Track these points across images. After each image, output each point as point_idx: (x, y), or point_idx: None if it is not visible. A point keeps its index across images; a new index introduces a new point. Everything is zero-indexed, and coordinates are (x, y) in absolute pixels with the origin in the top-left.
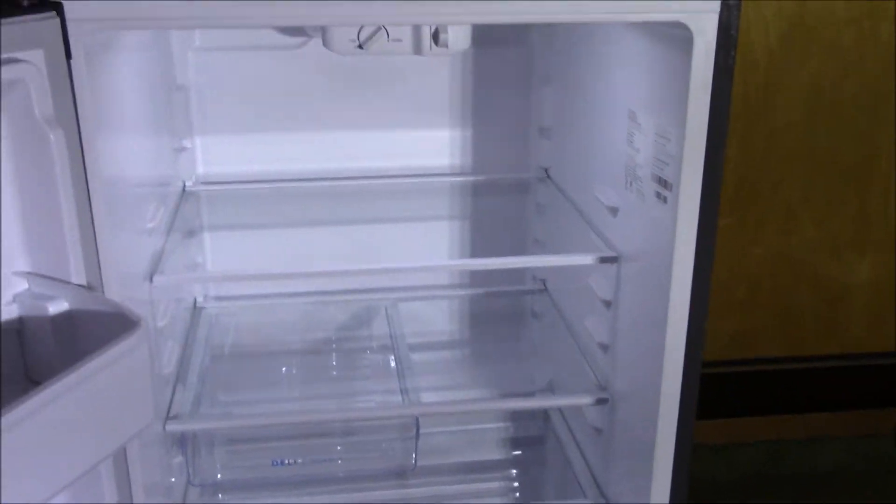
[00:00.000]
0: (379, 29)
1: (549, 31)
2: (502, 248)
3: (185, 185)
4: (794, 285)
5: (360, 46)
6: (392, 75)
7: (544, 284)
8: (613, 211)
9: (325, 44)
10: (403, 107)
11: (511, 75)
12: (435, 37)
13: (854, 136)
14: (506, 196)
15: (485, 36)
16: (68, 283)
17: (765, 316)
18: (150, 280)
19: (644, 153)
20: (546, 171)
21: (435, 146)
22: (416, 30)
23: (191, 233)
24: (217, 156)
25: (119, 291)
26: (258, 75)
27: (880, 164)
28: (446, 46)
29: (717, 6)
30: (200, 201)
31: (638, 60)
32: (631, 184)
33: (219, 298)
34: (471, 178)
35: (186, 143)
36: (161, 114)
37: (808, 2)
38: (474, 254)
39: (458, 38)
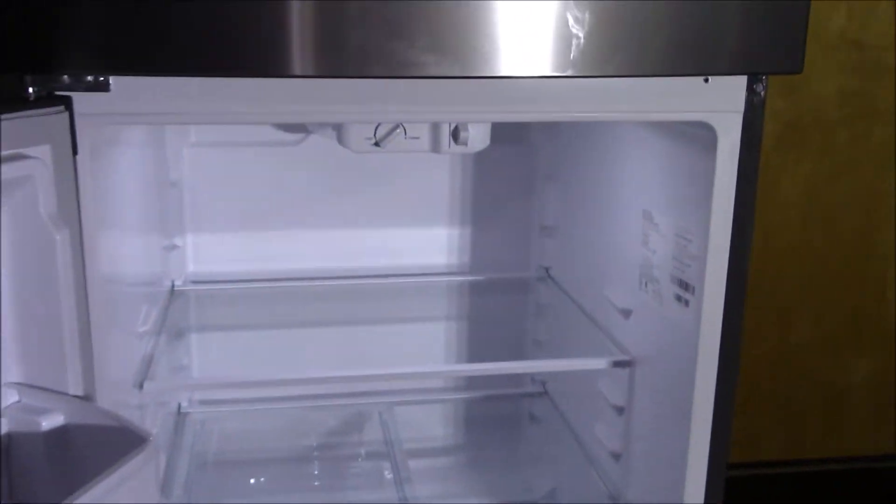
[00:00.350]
0: (397, 127)
1: (551, 127)
2: (501, 350)
3: (173, 285)
4: (794, 386)
5: (377, 144)
6: (390, 172)
7: (544, 387)
8: (626, 313)
9: (340, 141)
10: (401, 204)
11: (513, 173)
12: (455, 134)
13: (849, 235)
14: (505, 296)
15: None
16: (65, 394)
17: (765, 417)
18: (141, 387)
19: (661, 254)
20: (547, 270)
21: (433, 245)
22: (435, 127)
23: (178, 334)
24: (208, 254)
25: (111, 400)
26: (253, 172)
27: (875, 263)
28: (465, 145)
29: (741, 105)
30: (189, 301)
31: (654, 159)
32: (646, 285)
33: (204, 403)
34: (469, 278)
35: (178, 242)
36: (153, 211)
37: (801, 103)
38: (472, 355)
39: (478, 136)
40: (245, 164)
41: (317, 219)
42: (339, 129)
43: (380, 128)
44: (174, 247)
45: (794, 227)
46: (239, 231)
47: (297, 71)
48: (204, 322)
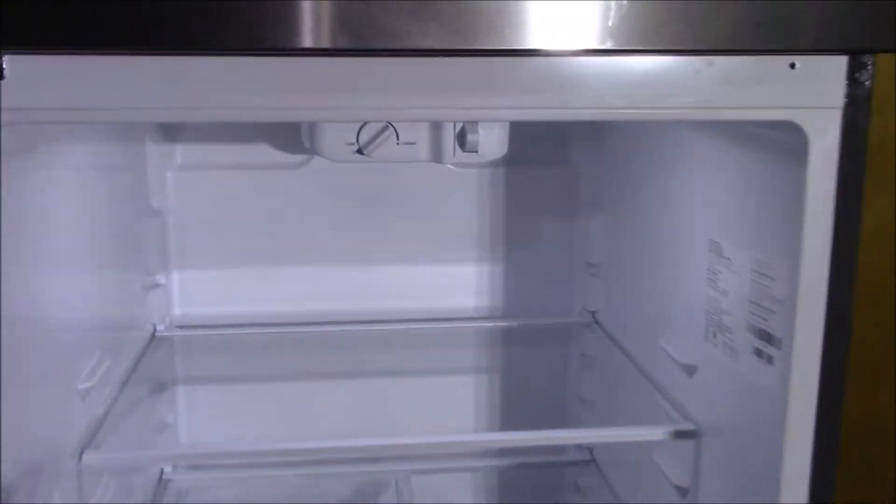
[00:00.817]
0: (386, 128)
1: (595, 147)
2: (539, 409)
3: (155, 329)
4: (883, 455)
5: (361, 151)
6: (408, 198)
7: (591, 454)
8: (689, 370)
9: (314, 148)
10: (422, 236)
11: (552, 199)
12: (461, 138)
13: None
14: (544, 345)
15: (519, 153)
16: None
17: (851, 492)
18: (80, 458)
19: (735, 297)
20: (594, 315)
21: (459, 284)
22: (436, 129)
23: (160, 387)
24: (197, 294)
25: (25, 469)
26: (249, 199)
27: None
28: (475, 151)
29: (839, 99)
30: (174, 348)
31: (723, 175)
32: (715, 335)
33: (193, 468)
34: (502, 324)
35: (160, 279)
36: (126, 244)
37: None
38: (506, 415)
39: (491, 140)
40: (240, 191)
41: (323, 253)
42: (311, 133)
43: (364, 130)
44: (156, 285)
45: (881, 267)
46: (233, 267)
47: (238, 43)
48: (192, 373)
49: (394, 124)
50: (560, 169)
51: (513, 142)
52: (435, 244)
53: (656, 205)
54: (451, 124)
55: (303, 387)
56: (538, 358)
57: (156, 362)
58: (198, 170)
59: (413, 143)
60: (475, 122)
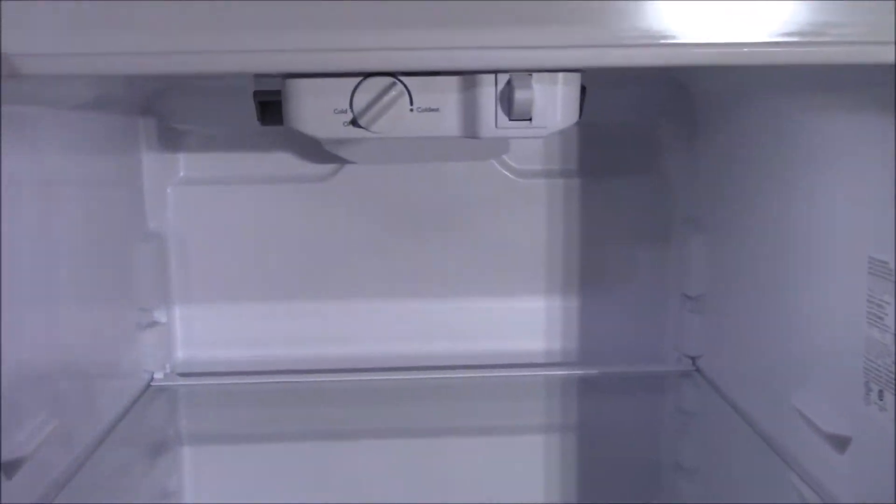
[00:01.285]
0: (393, 86)
1: (691, 151)
2: (626, 477)
3: (151, 378)
4: None
5: (356, 122)
6: (459, 216)
7: None
8: (838, 442)
9: (289, 120)
10: (476, 264)
11: (638, 217)
12: (506, 99)
13: None
14: (630, 399)
15: (597, 161)
16: None
17: None
18: None
19: None
20: (694, 361)
21: (524, 322)
22: (469, 88)
23: (159, 447)
24: (204, 334)
25: None
26: (266, 219)
27: None
28: (529, 119)
29: None
30: (176, 400)
31: (883, 160)
32: (881, 395)
33: None
34: (577, 372)
35: (158, 316)
36: (110, 272)
37: None
38: (584, 485)
39: (554, 101)
40: (255, 209)
41: (355, 285)
42: (285, 97)
43: (361, 90)
44: (153, 323)
45: None
46: (246, 302)
47: None
48: (198, 430)
49: (404, 80)
50: (648, 179)
51: (589, 146)
52: (492, 273)
53: (778, 217)
54: (492, 79)
55: (333, 447)
56: (623, 414)
57: (151, 418)
58: (204, 185)
59: (435, 110)
60: (527, 73)
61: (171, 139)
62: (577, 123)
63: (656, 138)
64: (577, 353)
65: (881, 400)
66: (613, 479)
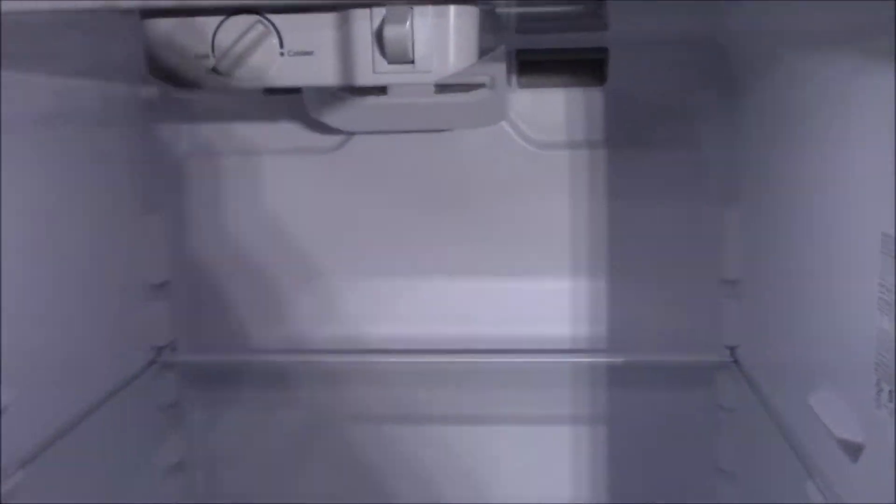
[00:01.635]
0: (257, 25)
1: (728, 121)
2: (659, 480)
3: (159, 353)
4: None
5: (217, 69)
6: (473, 189)
7: None
8: (850, 448)
9: (151, 70)
10: (494, 242)
11: (670, 192)
12: (381, 39)
13: None
14: (663, 392)
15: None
16: None
17: None
18: None
19: None
20: (732, 351)
21: (548, 305)
22: (345, 27)
23: (158, 419)
24: (213, 312)
25: None
26: (271, 191)
27: None
28: (410, 62)
29: None
30: (182, 378)
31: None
32: (890, 395)
33: None
34: (604, 360)
35: (161, 292)
36: (110, 246)
37: None
38: (614, 486)
39: (446, 42)
40: (261, 181)
41: (365, 261)
42: (145, 43)
43: (222, 30)
44: (156, 299)
45: None
46: (253, 276)
47: None
48: (207, 411)
49: (272, 19)
50: (682, 151)
51: (617, 116)
52: (512, 252)
53: (813, 192)
54: (367, 14)
55: (346, 434)
56: (657, 408)
57: (154, 395)
58: (210, 156)
59: (309, 53)
60: (407, 5)
61: (174, 110)
62: (603, 90)
63: (691, 107)
64: (604, 340)
65: (890, 399)
66: (648, 477)
